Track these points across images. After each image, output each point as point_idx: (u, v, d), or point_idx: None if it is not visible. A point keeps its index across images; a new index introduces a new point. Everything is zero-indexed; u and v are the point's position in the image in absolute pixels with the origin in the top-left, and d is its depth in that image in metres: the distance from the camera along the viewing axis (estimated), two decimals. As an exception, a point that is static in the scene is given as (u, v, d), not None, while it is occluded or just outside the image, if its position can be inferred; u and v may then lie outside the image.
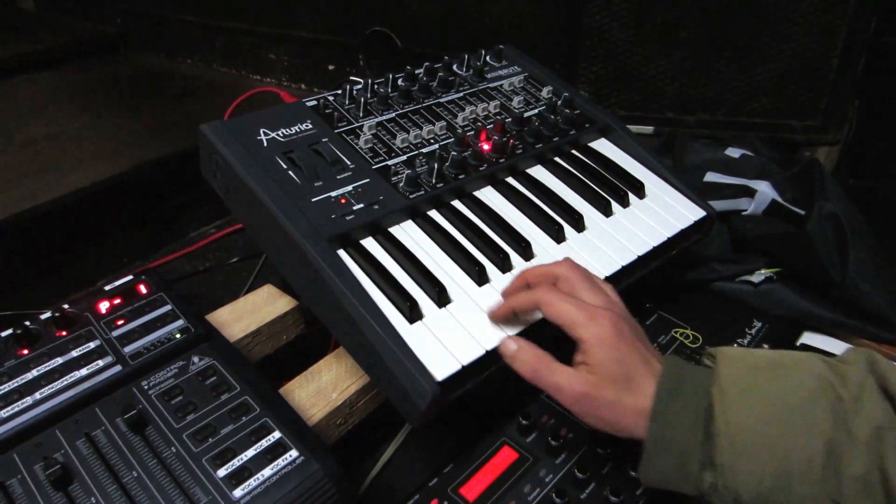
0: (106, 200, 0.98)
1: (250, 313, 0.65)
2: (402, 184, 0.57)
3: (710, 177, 0.77)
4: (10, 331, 0.54)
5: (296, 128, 0.60)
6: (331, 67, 1.40)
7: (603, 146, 0.71)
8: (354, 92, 0.66)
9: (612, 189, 0.64)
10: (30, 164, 1.11)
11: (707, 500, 0.44)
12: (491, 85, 0.73)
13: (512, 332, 0.50)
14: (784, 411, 0.42)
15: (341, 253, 0.52)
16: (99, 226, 0.98)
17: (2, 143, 1.20)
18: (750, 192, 0.73)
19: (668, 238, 0.61)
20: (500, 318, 0.51)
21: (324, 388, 0.59)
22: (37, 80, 1.52)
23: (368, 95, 0.66)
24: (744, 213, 0.73)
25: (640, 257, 0.59)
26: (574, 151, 0.69)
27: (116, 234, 0.99)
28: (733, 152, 0.81)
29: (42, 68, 1.57)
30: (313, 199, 0.54)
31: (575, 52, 1.08)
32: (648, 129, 1.06)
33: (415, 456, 0.63)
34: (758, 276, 0.70)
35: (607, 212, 0.62)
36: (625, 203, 0.64)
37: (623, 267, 0.58)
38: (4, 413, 0.48)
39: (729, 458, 0.42)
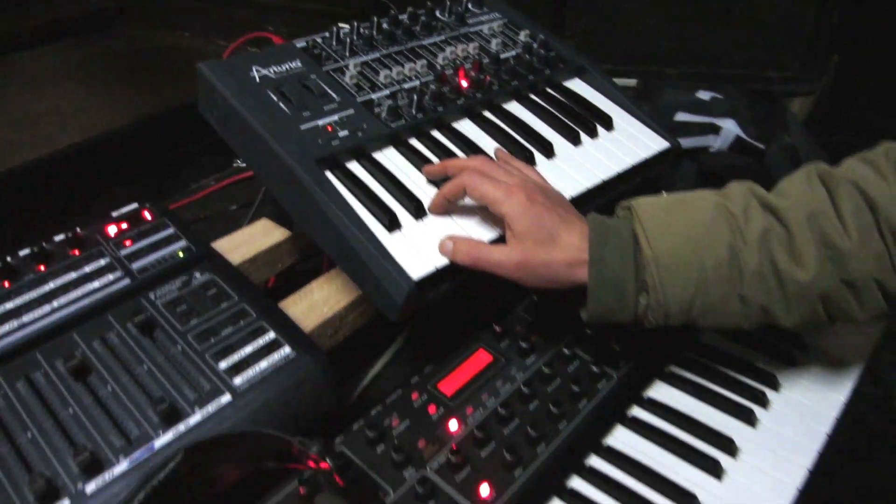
0: (105, 153, 1.02)
1: (247, 242, 0.70)
2: (384, 114, 0.62)
3: (681, 116, 0.81)
4: (27, 250, 0.59)
5: (286, 66, 0.65)
6: (344, 27, 1.42)
7: (577, 85, 0.76)
8: (341, 34, 0.70)
9: (582, 121, 0.69)
10: (30, 140, 1.14)
11: (641, 322, 0.53)
12: (471, 29, 0.77)
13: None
14: (695, 231, 0.51)
15: (328, 174, 0.57)
16: (100, 178, 1.02)
17: (2, 119, 1.23)
18: (716, 130, 0.78)
19: (633, 165, 0.66)
20: (438, 207, 0.57)
21: (316, 303, 0.64)
22: (34, 56, 1.55)
23: (354, 37, 0.70)
24: (711, 149, 0.78)
25: (605, 181, 0.64)
26: (548, 89, 0.74)
27: (118, 186, 1.04)
28: (704, 95, 0.85)
29: (39, 44, 1.59)
30: (302, 127, 0.59)
31: (561, 6, 1.12)
32: (632, 81, 1.10)
33: (402, 371, 0.68)
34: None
35: (576, 141, 0.67)
36: (593, 134, 0.69)
37: (588, 189, 0.62)
38: (26, 318, 0.54)
39: (658, 277, 0.50)
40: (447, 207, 0.57)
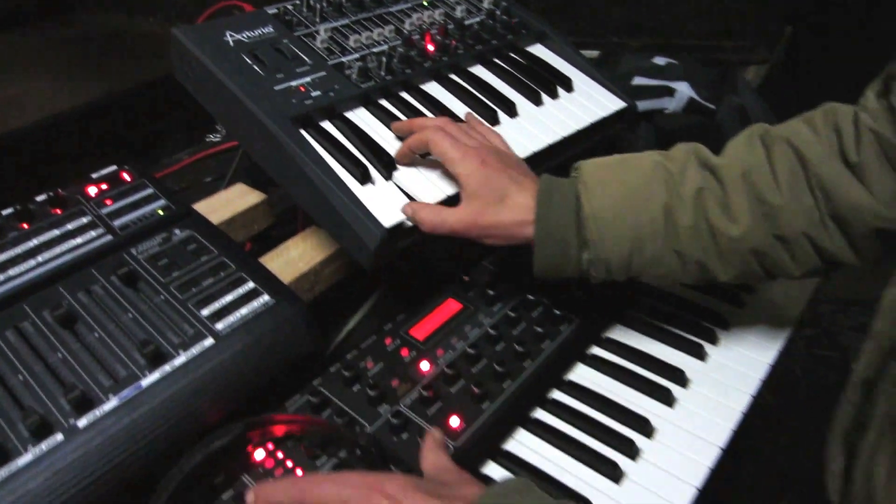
0: (76, 130, 1.03)
1: (224, 205, 0.73)
2: (354, 76, 0.65)
3: (637, 80, 0.85)
4: (10, 209, 0.61)
5: (258, 31, 0.67)
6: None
7: (538, 50, 0.79)
8: (311, 1, 0.72)
9: (543, 83, 0.73)
10: None
11: (586, 276, 0.56)
12: (437, -2, 0.80)
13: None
14: (631, 189, 0.54)
15: (302, 132, 0.60)
16: (71, 155, 1.02)
17: None
18: (671, 92, 0.82)
19: (591, 123, 0.70)
20: (402, 156, 0.60)
21: (292, 260, 0.67)
22: None
23: (324, 4, 0.73)
24: (666, 111, 0.82)
25: (564, 138, 0.68)
26: (511, 54, 0.77)
27: (92, 160, 1.04)
28: (660, 60, 0.89)
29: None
30: (276, 88, 0.62)
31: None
32: (594, 53, 1.14)
33: (377, 325, 0.72)
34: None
35: (538, 102, 0.71)
36: (554, 95, 0.72)
37: (549, 145, 0.66)
38: (12, 272, 0.56)
39: (597, 233, 0.53)
40: (411, 158, 0.60)
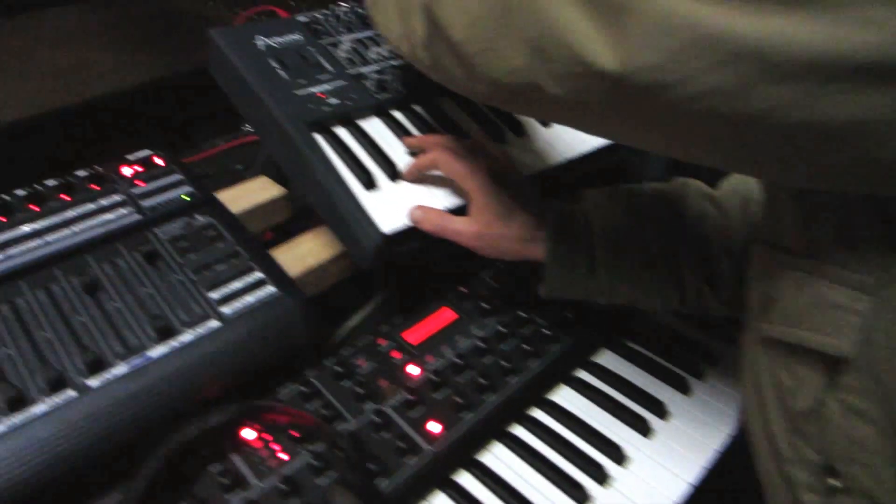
0: (123, 107, 1.09)
1: (245, 196, 0.77)
2: (371, 87, 0.68)
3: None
4: (54, 182, 0.67)
5: (287, 37, 0.72)
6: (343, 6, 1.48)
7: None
8: (339, 12, 0.76)
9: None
10: (56, 93, 1.20)
11: (592, 298, 0.59)
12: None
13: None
14: (636, 215, 0.59)
15: (316, 136, 0.64)
16: (118, 130, 1.09)
17: (30, 70, 1.28)
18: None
19: (597, 149, 0.72)
20: (410, 175, 0.63)
21: (302, 255, 0.71)
22: (63, 13, 1.60)
23: (352, 16, 0.77)
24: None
25: (570, 160, 0.70)
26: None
27: (134, 138, 1.10)
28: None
29: (68, 1, 1.65)
30: (296, 92, 0.66)
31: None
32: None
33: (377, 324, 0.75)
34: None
35: (546, 123, 0.73)
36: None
37: (552, 167, 0.69)
38: (50, 238, 0.61)
39: (605, 258, 0.58)
40: (418, 177, 0.63)
